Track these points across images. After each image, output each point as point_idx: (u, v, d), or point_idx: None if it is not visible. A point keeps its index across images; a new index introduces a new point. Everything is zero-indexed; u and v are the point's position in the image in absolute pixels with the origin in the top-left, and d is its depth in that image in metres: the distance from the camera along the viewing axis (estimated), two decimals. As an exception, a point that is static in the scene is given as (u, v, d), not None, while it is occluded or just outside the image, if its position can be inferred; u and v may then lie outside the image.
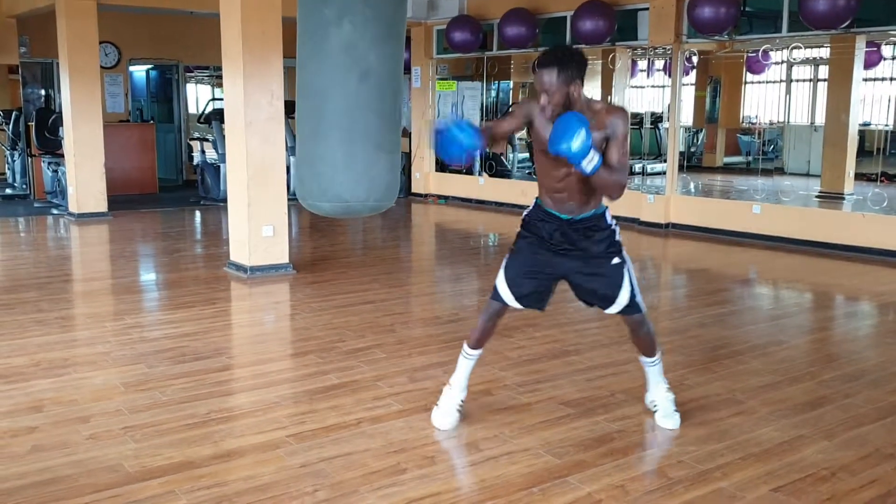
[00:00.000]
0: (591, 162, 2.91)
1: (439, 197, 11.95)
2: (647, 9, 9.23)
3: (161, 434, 3.39)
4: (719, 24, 8.34)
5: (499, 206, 11.14)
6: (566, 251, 3.29)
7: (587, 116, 2.99)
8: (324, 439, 3.34)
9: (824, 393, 3.98)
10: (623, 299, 3.28)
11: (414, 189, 12.25)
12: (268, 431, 3.43)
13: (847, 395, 3.94)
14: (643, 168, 11.94)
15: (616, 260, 3.28)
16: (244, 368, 4.47)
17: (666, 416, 3.47)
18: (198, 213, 10.71)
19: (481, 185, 11.59)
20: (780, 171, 13.56)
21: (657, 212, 9.26)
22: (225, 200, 7.50)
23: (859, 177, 11.04)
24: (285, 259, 6.71)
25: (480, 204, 11.37)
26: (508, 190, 11.26)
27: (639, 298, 3.33)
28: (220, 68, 6.88)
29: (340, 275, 6.79)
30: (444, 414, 3.47)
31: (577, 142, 2.85)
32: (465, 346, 3.52)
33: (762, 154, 13.58)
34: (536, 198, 3.38)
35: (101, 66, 10.88)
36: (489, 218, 10.60)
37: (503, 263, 3.41)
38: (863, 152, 11.78)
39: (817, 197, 10.68)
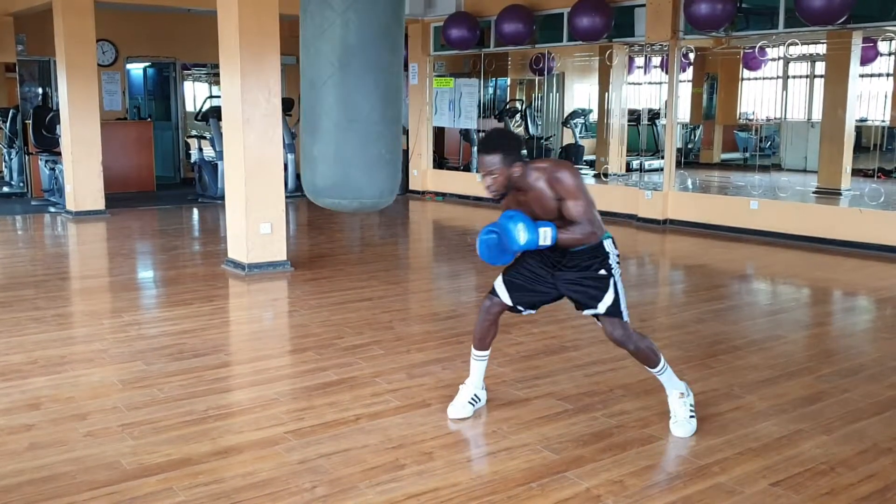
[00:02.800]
0: (545, 238, 3.14)
1: (437, 194, 11.95)
2: (643, 5, 9.23)
3: (159, 431, 3.38)
4: (716, 21, 8.34)
5: (496, 204, 11.11)
6: (560, 268, 3.40)
7: (531, 185, 3.21)
8: (322, 436, 3.34)
9: (822, 388, 3.98)
10: (607, 300, 3.32)
11: (412, 186, 12.24)
12: (266, 428, 3.43)
13: (845, 390, 3.94)
14: (641, 164, 11.94)
15: (602, 272, 3.34)
16: (242, 365, 4.47)
17: (677, 424, 3.40)
18: (195, 211, 10.70)
19: (479, 182, 11.56)
20: (778, 167, 13.55)
21: (655, 208, 9.26)
22: (222, 198, 7.49)
23: (856, 173, 11.05)
24: (283, 256, 6.71)
25: (478, 201, 11.37)
26: (506, 187, 11.23)
27: (623, 307, 3.36)
28: (217, 66, 6.87)
29: (338, 272, 6.78)
30: (457, 405, 3.55)
31: (521, 237, 3.12)
32: (472, 349, 3.59)
33: (759, 150, 13.59)
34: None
35: (99, 64, 10.87)
36: (487, 215, 10.59)
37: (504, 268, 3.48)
38: (859, 148, 11.78)
39: (814, 193, 10.68)
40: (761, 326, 5.28)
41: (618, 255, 3.44)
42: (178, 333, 4.89)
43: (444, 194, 11.88)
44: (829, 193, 10.50)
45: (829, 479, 2.98)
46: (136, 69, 14.26)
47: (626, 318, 3.37)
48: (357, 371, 4.17)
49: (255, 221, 6.53)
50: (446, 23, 10.91)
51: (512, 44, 10.71)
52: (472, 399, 3.58)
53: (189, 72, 14.58)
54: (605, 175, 11.77)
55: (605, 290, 3.33)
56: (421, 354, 4.50)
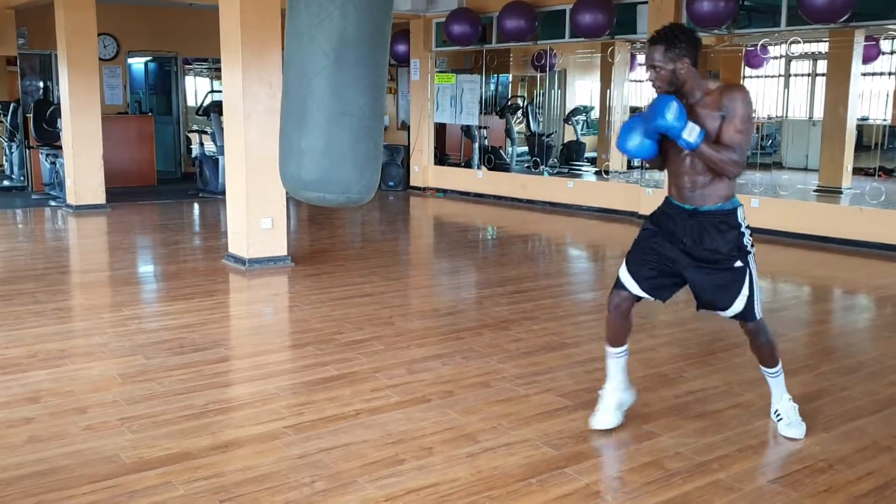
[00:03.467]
0: (691, 133, 2.95)
1: (438, 190, 11.94)
2: (646, 2, 9.21)
3: (158, 425, 3.39)
4: (718, 18, 8.32)
5: (497, 200, 11.13)
6: (687, 245, 3.20)
7: (699, 96, 3.06)
8: (322, 430, 3.34)
9: (822, 385, 3.98)
10: (738, 306, 3.18)
11: (412, 182, 12.23)
12: (266, 422, 3.43)
13: (845, 388, 3.94)
14: (642, 162, 11.92)
15: (738, 264, 3.14)
16: (242, 360, 4.47)
17: (790, 426, 3.32)
18: (196, 206, 10.69)
19: (480, 179, 11.58)
20: (779, 165, 13.55)
21: (656, 206, 9.24)
22: (223, 193, 7.49)
23: (857, 171, 11.04)
24: (284, 251, 6.71)
25: (479, 197, 11.37)
26: (507, 183, 11.25)
27: (757, 308, 3.20)
28: (218, 60, 6.86)
29: (339, 267, 6.78)
30: (603, 413, 3.36)
31: (669, 114, 2.93)
32: (606, 347, 3.43)
33: (760, 148, 13.57)
34: (667, 195, 3.34)
35: (100, 58, 10.86)
36: (488, 211, 10.59)
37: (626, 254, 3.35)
38: (861, 147, 11.78)
39: (815, 191, 10.68)
40: (761, 324, 5.28)
41: (749, 231, 3.20)
42: (178, 328, 4.89)
43: (444, 190, 11.87)
44: (830, 192, 10.50)
45: (827, 477, 2.98)
46: (138, 63, 14.25)
47: (759, 316, 3.21)
48: (357, 366, 4.18)
49: (255, 216, 6.53)
50: (448, 18, 10.90)
51: (514, 40, 10.70)
52: (620, 404, 3.39)
53: (190, 66, 14.57)
54: (607, 172, 11.76)
55: (739, 290, 3.15)
56: (421, 350, 4.51)
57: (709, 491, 2.86)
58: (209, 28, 7.78)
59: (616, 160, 12.68)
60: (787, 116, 14.51)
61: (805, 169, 12.94)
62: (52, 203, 10.31)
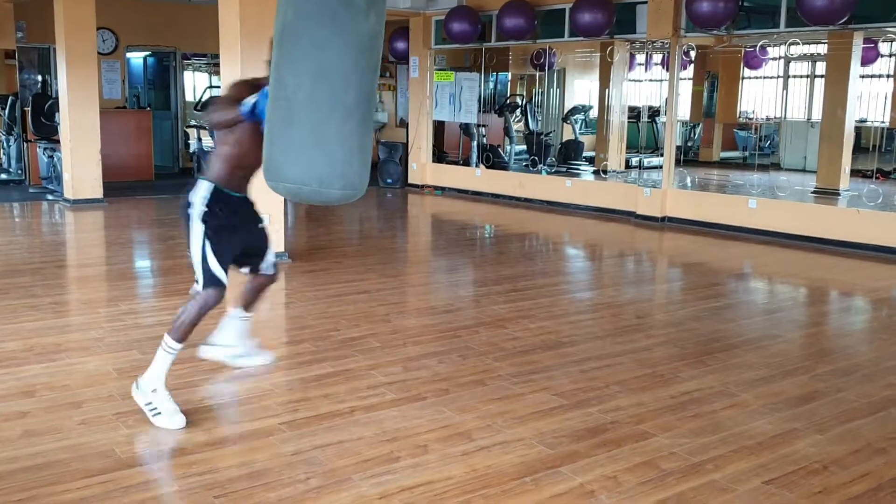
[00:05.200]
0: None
1: (436, 188, 11.94)
2: (645, 2, 9.21)
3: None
4: (717, 19, 8.33)
5: (495, 198, 11.13)
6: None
7: None
8: (317, 427, 3.34)
9: (817, 387, 3.99)
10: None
11: (411, 180, 12.23)
12: (261, 419, 3.43)
13: (840, 390, 3.95)
14: (640, 162, 11.94)
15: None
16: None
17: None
18: (193, 201, 10.65)
19: (478, 177, 11.58)
20: (777, 166, 13.57)
21: (653, 206, 9.26)
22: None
23: (855, 173, 11.06)
24: (281, 248, 6.70)
25: (477, 195, 11.36)
26: (505, 182, 11.25)
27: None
28: (217, 56, 6.85)
29: (336, 264, 6.78)
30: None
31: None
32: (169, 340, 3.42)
33: (759, 149, 13.60)
34: (216, 186, 3.43)
35: (99, 53, 10.83)
36: (486, 209, 10.59)
37: (209, 251, 3.45)
38: (859, 149, 11.79)
39: (813, 193, 10.69)
40: (758, 325, 5.29)
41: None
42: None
43: (442, 188, 11.87)
44: (827, 193, 10.51)
45: (822, 478, 2.99)
46: (136, 58, 14.22)
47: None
48: (353, 363, 4.17)
49: (253, 212, 6.51)
50: (448, 16, 10.89)
51: (513, 38, 10.70)
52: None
53: (189, 61, 14.54)
54: (605, 172, 11.76)
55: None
56: (417, 348, 4.50)
57: (703, 492, 2.87)
58: (208, 23, 7.77)
59: (614, 160, 12.68)
60: (785, 118, 14.52)
61: (803, 170, 12.95)
62: (50, 197, 10.29)
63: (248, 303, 3.96)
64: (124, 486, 2.81)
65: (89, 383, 3.83)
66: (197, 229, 3.37)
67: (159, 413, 3.28)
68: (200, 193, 3.37)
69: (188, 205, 3.38)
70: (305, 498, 2.76)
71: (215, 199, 3.39)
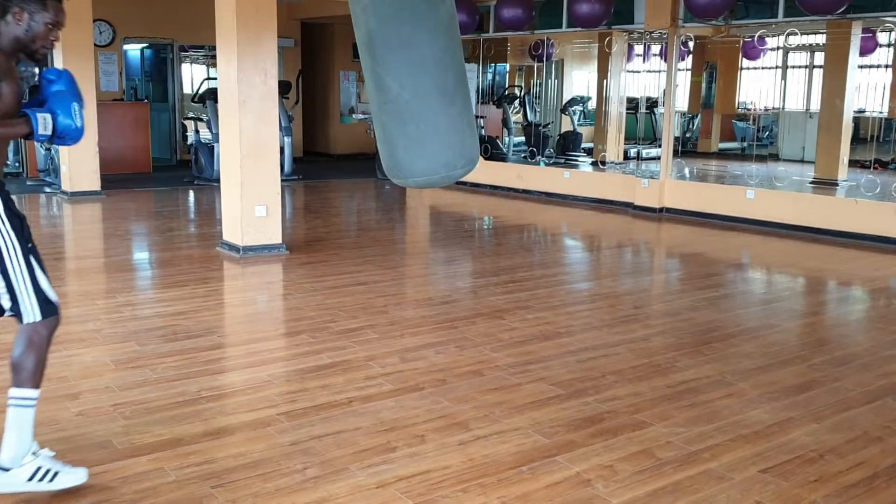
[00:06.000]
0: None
1: (434, 179, 11.90)
2: (643, -8, 9.19)
3: (151, 412, 3.39)
4: (716, 9, 8.31)
5: (494, 190, 11.12)
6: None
7: None
8: (314, 418, 3.35)
9: (814, 376, 4.00)
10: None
11: (408, 171, 12.19)
12: (259, 409, 3.43)
13: (836, 379, 3.96)
14: (638, 153, 11.93)
15: None
16: (236, 347, 4.47)
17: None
18: (191, 193, 10.67)
19: (476, 168, 11.56)
20: (775, 157, 13.56)
21: (651, 196, 9.26)
22: (218, 180, 7.46)
23: (853, 163, 11.06)
24: (278, 239, 6.70)
25: (475, 187, 11.35)
26: (504, 173, 11.24)
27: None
28: (215, 48, 6.83)
29: (333, 256, 6.78)
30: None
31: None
32: (33, 392, 2.65)
33: (757, 140, 13.58)
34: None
35: (95, 45, 10.79)
36: (484, 201, 10.58)
37: (35, 272, 2.65)
38: (857, 139, 11.79)
39: (811, 183, 10.70)
40: (755, 315, 5.29)
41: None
42: (171, 315, 4.89)
43: (440, 180, 11.84)
44: (825, 184, 10.51)
45: (818, 467, 3.00)
46: (134, 50, 14.19)
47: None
48: (350, 354, 4.18)
49: (250, 204, 6.52)
50: (445, 7, 10.84)
51: (511, 29, 10.67)
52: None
53: (187, 53, 14.51)
54: (603, 163, 11.75)
55: None
56: (415, 339, 4.51)
57: (699, 480, 2.88)
58: (205, 15, 7.74)
59: (612, 151, 12.67)
60: (784, 108, 14.51)
61: (801, 161, 12.94)
62: (47, 190, 10.28)
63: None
64: (121, 477, 2.81)
65: (87, 375, 3.83)
66: (12, 243, 2.56)
67: (57, 473, 2.65)
68: None
69: None
70: (303, 488, 2.77)
71: (8, 200, 2.59)
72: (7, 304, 2.62)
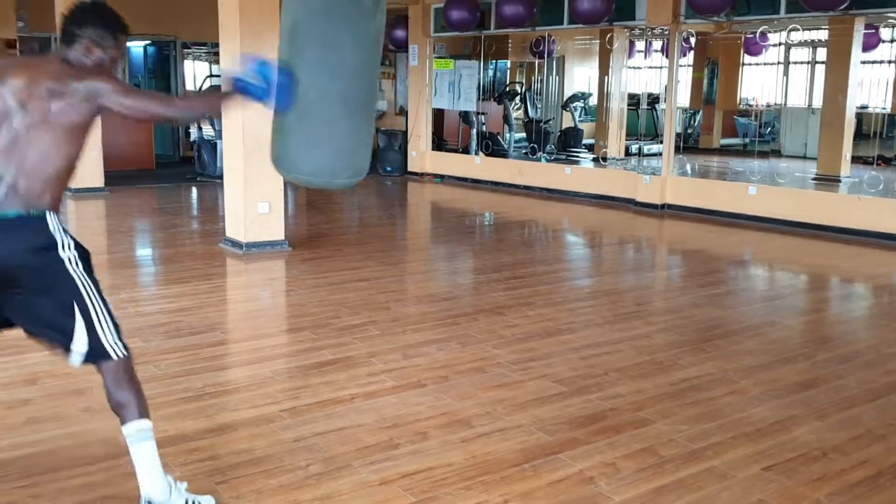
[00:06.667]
0: None
1: (435, 176, 11.92)
2: (646, -12, 9.17)
3: (155, 408, 3.36)
4: (717, 5, 8.29)
5: (495, 186, 11.12)
6: None
7: None
8: (317, 414, 3.35)
9: (817, 374, 4.00)
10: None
11: (410, 168, 12.21)
12: (262, 406, 3.44)
13: (840, 377, 3.96)
14: (640, 149, 11.93)
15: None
16: (239, 343, 4.48)
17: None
18: (194, 190, 10.68)
19: (478, 165, 11.57)
20: (777, 153, 13.56)
21: (653, 193, 9.26)
22: (221, 177, 7.47)
23: (856, 160, 11.06)
24: (281, 236, 6.71)
25: (476, 183, 11.35)
26: (505, 169, 11.24)
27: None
28: (217, 45, 6.83)
29: (336, 252, 6.78)
30: None
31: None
32: (146, 423, 2.54)
33: (759, 136, 13.57)
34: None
35: (97, 41, 10.78)
36: (485, 197, 10.58)
37: (109, 306, 2.54)
38: (860, 135, 11.78)
39: (814, 179, 10.69)
40: (757, 312, 5.30)
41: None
42: (175, 311, 4.90)
43: (442, 176, 11.86)
44: (828, 180, 10.50)
45: (821, 465, 3.00)
46: (137, 47, 14.17)
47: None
48: (353, 351, 4.19)
49: (253, 200, 6.52)
50: (447, 4, 10.84)
51: (512, 26, 10.65)
52: None
53: (189, 50, 14.50)
54: (604, 159, 11.75)
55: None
56: (417, 335, 4.51)
57: (702, 478, 2.88)
58: (208, 12, 7.73)
59: (614, 147, 12.66)
60: (786, 104, 14.49)
61: (804, 157, 12.93)
62: (49, 186, 10.27)
63: None
64: (127, 473, 2.81)
65: (91, 371, 3.80)
66: (81, 276, 2.43)
67: (199, 502, 2.58)
68: (58, 226, 2.43)
69: (54, 245, 2.38)
70: (306, 484, 2.78)
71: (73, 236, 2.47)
72: (82, 348, 2.41)
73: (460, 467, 2.92)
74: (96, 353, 2.43)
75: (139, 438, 2.47)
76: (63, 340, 2.43)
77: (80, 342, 2.41)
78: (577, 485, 2.82)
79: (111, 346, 2.45)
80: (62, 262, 2.38)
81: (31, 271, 2.34)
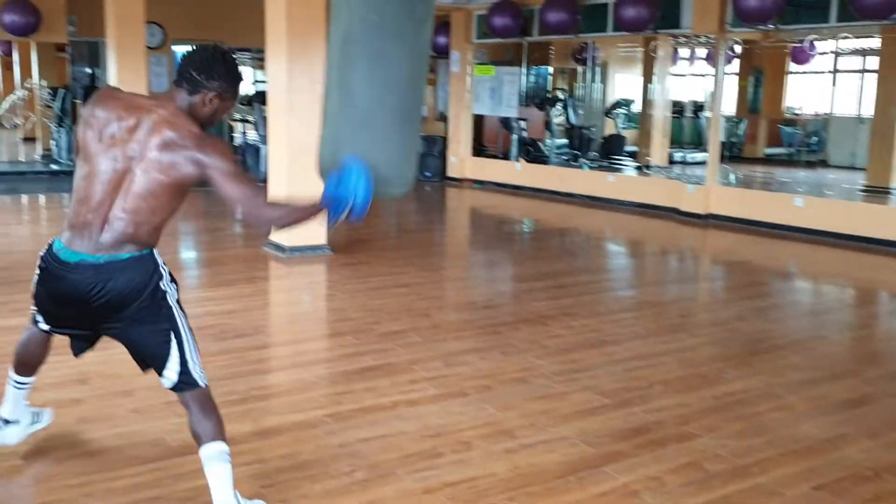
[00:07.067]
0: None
1: (475, 181, 11.93)
2: (691, -4, 9.08)
3: (202, 410, 3.44)
4: (765, 14, 8.16)
5: (535, 192, 11.08)
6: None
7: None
8: (360, 420, 3.37)
9: (867, 391, 3.91)
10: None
11: (450, 173, 12.24)
12: (306, 410, 3.47)
13: (891, 395, 3.87)
14: (683, 157, 11.81)
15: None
16: (282, 347, 4.53)
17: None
18: (237, 193, 10.79)
19: (518, 171, 11.54)
20: (824, 163, 13.32)
21: (697, 202, 9.14)
22: (265, 181, 7.56)
23: (907, 171, 10.81)
24: (323, 240, 6.76)
25: (517, 189, 11.33)
26: (546, 176, 11.20)
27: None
28: (261, 50, 6.94)
29: (376, 257, 6.82)
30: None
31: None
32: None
33: (805, 146, 13.35)
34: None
35: (147, 46, 11.00)
36: (526, 204, 10.56)
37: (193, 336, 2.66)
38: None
39: (862, 191, 10.47)
40: (804, 326, 5.20)
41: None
42: (220, 314, 4.96)
43: (482, 182, 11.86)
44: (878, 191, 10.28)
45: (874, 486, 2.93)
46: (182, 52, 14.43)
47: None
48: (394, 357, 4.20)
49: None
50: (490, 11, 10.86)
51: (555, 33, 10.62)
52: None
53: (234, 56, 14.70)
54: (647, 167, 11.65)
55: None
56: (458, 343, 4.52)
57: (750, 495, 2.84)
58: (253, 18, 7.84)
59: (657, 155, 12.54)
60: (833, 113, 14.23)
61: (852, 168, 12.68)
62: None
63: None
64: (174, 475, 2.87)
65: (139, 372, 3.88)
66: (176, 307, 2.54)
67: None
68: (160, 261, 2.55)
69: (159, 279, 2.51)
70: (351, 490, 2.80)
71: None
72: (174, 377, 2.54)
73: (504, 478, 2.91)
74: (186, 381, 2.54)
75: (218, 460, 2.52)
76: (156, 366, 2.58)
77: (171, 371, 2.54)
78: (622, 498, 2.79)
79: (199, 375, 2.55)
80: (165, 294, 2.51)
81: (139, 302, 2.48)
